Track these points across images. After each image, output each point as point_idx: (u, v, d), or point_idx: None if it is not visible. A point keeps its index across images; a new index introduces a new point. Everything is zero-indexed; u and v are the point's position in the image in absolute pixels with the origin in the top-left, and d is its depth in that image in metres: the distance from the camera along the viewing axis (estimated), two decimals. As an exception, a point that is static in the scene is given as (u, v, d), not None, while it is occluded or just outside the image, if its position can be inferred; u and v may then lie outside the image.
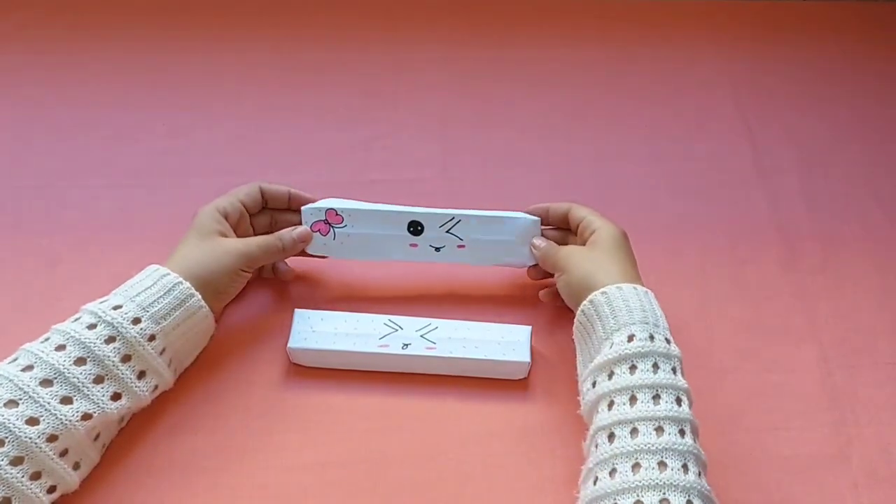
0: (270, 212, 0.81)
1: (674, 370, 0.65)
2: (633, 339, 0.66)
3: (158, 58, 1.02)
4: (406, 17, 1.07)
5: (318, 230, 0.80)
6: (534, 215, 0.81)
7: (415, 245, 0.81)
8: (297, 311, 0.78)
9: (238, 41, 1.04)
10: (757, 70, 1.04)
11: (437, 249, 0.81)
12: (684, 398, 0.64)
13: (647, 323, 0.67)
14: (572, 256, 0.75)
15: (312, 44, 1.04)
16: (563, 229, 0.81)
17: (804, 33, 1.09)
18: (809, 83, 1.04)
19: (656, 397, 0.63)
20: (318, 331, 0.76)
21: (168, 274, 0.71)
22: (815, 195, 0.93)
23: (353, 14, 1.06)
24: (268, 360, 0.77)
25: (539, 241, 0.80)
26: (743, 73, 1.04)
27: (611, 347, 0.67)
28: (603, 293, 0.69)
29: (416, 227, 0.80)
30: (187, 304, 0.70)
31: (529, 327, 0.78)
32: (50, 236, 0.85)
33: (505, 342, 0.76)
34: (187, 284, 0.70)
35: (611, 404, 0.64)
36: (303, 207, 0.79)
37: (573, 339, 0.73)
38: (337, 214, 0.79)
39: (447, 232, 0.81)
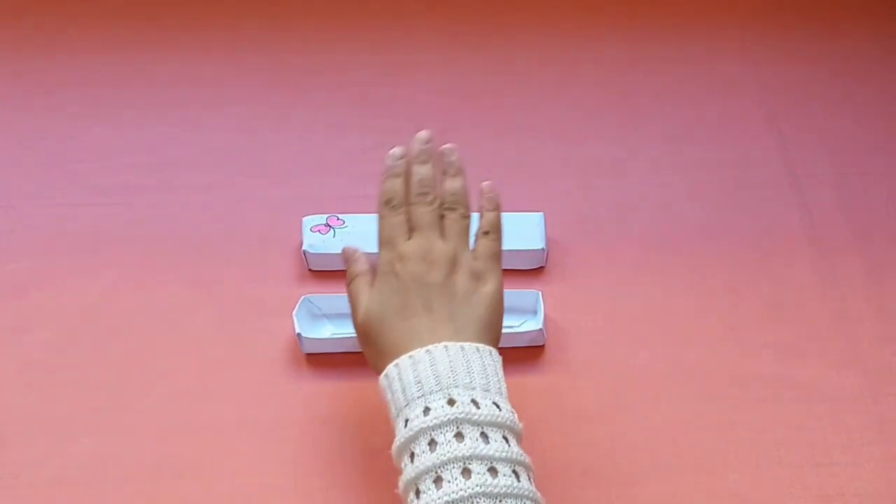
0: None
1: (458, 436, 0.58)
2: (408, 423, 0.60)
3: (135, 63, 0.99)
4: (407, 15, 1.05)
5: (318, 231, 0.84)
6: None
7: None
8: (304, 297, 0.79)
9: (223, 47, 1.01)
10: (787, 67, 1.01)
11: None
12: (473, 466, 0.57)
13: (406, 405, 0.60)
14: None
15: (302, 49, 1.01)
16: None
17: (839, 27, 1.05)
18: (846, 81, 1.00)
19: (438, 480, 0.57)
20: (328, 315, 0.78)
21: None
22: (853, 204, 0.89)
23: (344, 18, 1.04)
24: (277, 350, 0.78)
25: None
26: (772, 70, 1.01)
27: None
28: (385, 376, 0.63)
29: None
30: None
31: (538, 292, 0.79)
32: (15, 262, 0.83)
33: (516, 310, 0.78)
34: None
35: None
36: (304, 218, 0.84)
37: None
38: (338, 219, 0.85)
39: None
